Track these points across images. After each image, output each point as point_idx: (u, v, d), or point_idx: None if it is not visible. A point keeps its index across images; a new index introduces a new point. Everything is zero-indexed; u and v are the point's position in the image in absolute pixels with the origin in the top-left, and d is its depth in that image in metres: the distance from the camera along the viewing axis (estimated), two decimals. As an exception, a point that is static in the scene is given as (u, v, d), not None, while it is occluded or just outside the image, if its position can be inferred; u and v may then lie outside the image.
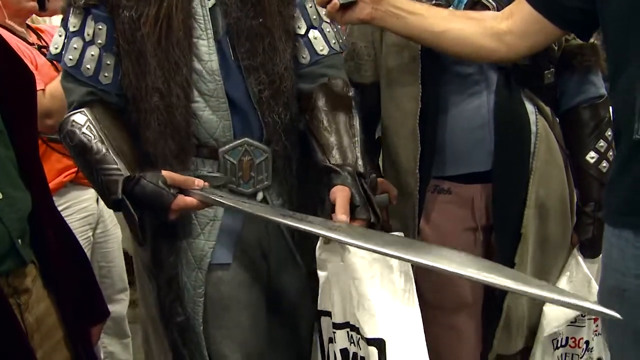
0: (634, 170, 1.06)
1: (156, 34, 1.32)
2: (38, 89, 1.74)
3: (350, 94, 1.44)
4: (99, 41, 1.37)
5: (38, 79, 1.76)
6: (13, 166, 1.14)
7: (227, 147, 1.36)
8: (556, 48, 1.54)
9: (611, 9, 1.10)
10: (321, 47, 1.44)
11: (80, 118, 1.35)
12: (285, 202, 1.42)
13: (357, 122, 1.41)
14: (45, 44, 2.15)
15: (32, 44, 2.12)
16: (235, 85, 1.37)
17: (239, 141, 1.37)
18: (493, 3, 1.45)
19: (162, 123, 1.34)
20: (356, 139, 1.38)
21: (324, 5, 1.38)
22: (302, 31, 1.45)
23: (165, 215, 1.27)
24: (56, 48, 1.41)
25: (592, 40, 1.52)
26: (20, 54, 1.92)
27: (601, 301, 1.15)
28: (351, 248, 1.09)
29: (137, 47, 1.34)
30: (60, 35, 1.42)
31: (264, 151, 1.38)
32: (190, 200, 1.26)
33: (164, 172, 1.27)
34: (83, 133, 1.33)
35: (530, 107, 1.54)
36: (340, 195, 1.22)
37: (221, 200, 1.26)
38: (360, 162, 1.33)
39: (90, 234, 2.22)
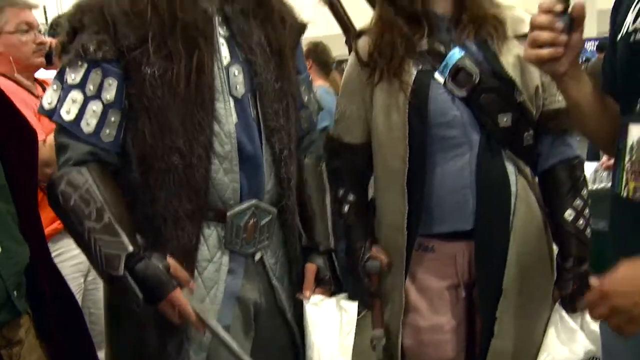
0: None
1: (182, 93, 1.30)
2: (39, 139, 1.80)
3: (324, 172, 1.57)
4: (107, 97, 1.32)
5: (40, 129, 1.81)
6: (13, 220, 1.18)
7: (236, 210, 1.35)
8: (534, 111, 1.61)
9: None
10: (315, 120, 1.54)
11: (78, 178, 1.29)
12: (277, 260, 1.46)
13: (327, 198, 1.54)
14: None
15: (37, 97, 2.18)
16: (251, 145, 1.37)
17: (248, 204, 1.36)
18: (475, 69, 1.53)
19: (178, 183, 1.31)
20: (327, 215, 1.54)
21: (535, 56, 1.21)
22: (305, 99, 1.54)
23: (156, 303, 1.25)
24: (49, 103, 1.35)
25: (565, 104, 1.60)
26: (25, 106, 2.02)
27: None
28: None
29: (157, 105, 1.31)
30: (55, 89, 1.36)
31: (269, 212, 1.40)
32: (185, 303, 1.25)
33: (169, 260, 1.26)
34: (81, 196, 1.27)
35: (510, 168, 1.59)
36: (308, 271, 1.47)
37: (211, 326, 1.28)
38: (331, 237, 1.52)
39: (82, 280, 2.25)
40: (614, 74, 1.25)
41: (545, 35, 1.15)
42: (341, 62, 5.94)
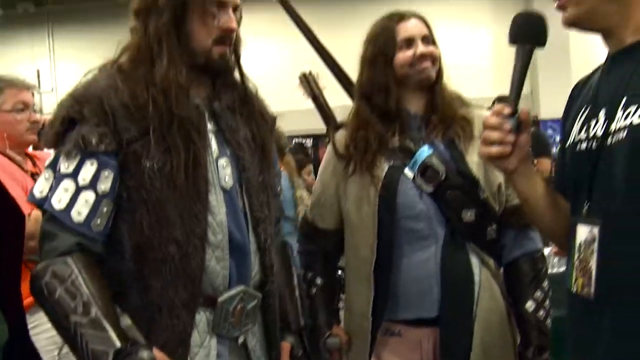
0: None
1: (180, 186, 1.34)
2: (25, 214, 1.86)
3: (291, 255, 1.67)
4: (103, 187, 1.33)
5: (26, 204, 1.89)
6: None
7: (226, 296, 1.39)
8: (498, 207, 1.72)
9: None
10: (286, 210, 1.63)
11: (64, 270, 1.27)
12: (257, 341, 1.50)
13: (296, 280, 1.64)
14: (39, 172, 2.29)
15: (26, 171, 2.27)
16: (240, 234, 1.43)
17: (238, 290, 1.41)
18: (442, 167, 1.65)
19: (174, 273, 1.33)
20: (296, 296, 1.63)
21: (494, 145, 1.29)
22: (277, 190, 1.62)
23: None
24: (40, 192, 1.35)
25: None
26: (15, 181, 2.10)
27: None
28: None
29: (155, 197, 1.33)
30: (46, 178, 1.36)
31: (255, 297, 1.45)
32: None
33: (156, 353, 1.25)
34: (66, 289, 1.26)
35: (474, 260, 1.68)
36: (283, 350, 1.56)
37: None
38: (300, 318, 1.61)
39: (56, 353, 2.26)
40: (564, 176, 1.36)
41: (494, 134, 1.25)
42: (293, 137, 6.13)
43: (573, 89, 1.41)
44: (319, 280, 1.79)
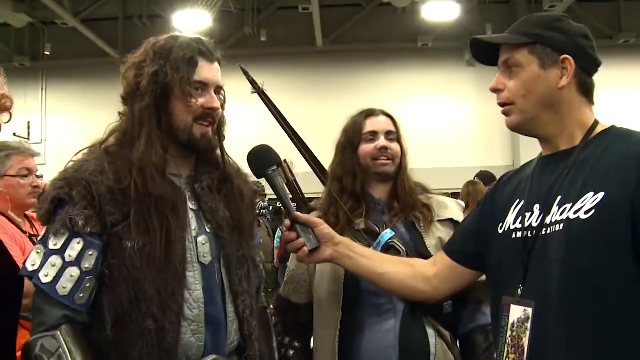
0: None
1: (157, 265, 1.43)
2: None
3: (270, 319, 1.81)
4: (86, 265, 1.42)
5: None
6: None
7: None
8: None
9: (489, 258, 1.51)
10: (263, 275, 1.80)
11: (52, 344, 1.36)
12: None
13: (275, 343, 1.78)
14: (36, 233, 2.47)
15: (25, 232, 2.45)
16: (215, 307, 1.52)
17: (210, 358, 1.49)
18: (403, 248, 1.85)
19: (151, 345, 1.40)
20: (274, 356, 1.75)
21: (295, 251, 1.66)
22: (257, 260, 1.74)
23: None
24: (33, 265, 1.43)
25: (483, 278, 1.92)
26: (14, 241, 2.27)
27: None
28: None
29: (135, 275, 1.42)
30: (38, 253, 1.44)
31: None
32: None
33: None
34: None
35: (430, 332, 1.85)
36: None
37: None
38: None
39: None
40: (479, 255, 1.56)
41: (290, 246, 1.66)
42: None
43: (500, 178, 1.63)
44: (296, 343, 1.95)
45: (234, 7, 9.83)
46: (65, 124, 10.16)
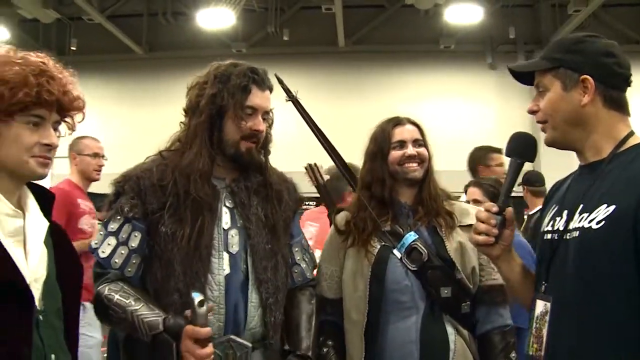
0: None
1: (184, 249, 1.70)
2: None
3: (312, 306, 1.94)
4: (132, 245, 1.74)
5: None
6: (62, 335, 1.48)
7: (216, 342, 1.66)
8: (472, 287, 2.00)
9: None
10: (309, 274, 1.97)
11: (116, 286, 1.71)
12: None
13: (313, 322, 1.93)
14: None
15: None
16: (236, 292, 1.75)
17: (225, 338, 1.70)
18: (425, 250, 1.94)
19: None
20: (311, 332, 1.91)
21: (485, 236, 1.54)
22: (297, 258, 1.94)
23: (177, 338, 1.57)
24: (96, 243, 1.78)
25: (499, 282, 2.00)
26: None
27: None
28: None
29: (167, 256, 1.72)
30: (101, 234, 1.79)
31: (245, 346, 1.71)
32: (200, 331, 1.55)
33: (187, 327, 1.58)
34: (120, 295, 1.69)
35: (450, 329, 1.95)
36: None
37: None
38: (309, 346, 1.86)
39: None
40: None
41: (481, 226, 1.55)
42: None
43: (550, 190, 1.72)
44: (330, 342, 2.04)
45: (257, 6, 9.94)
46: (89, 117, 10.26)
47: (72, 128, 1.51)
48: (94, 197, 3.69)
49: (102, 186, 3.22)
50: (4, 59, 1.38)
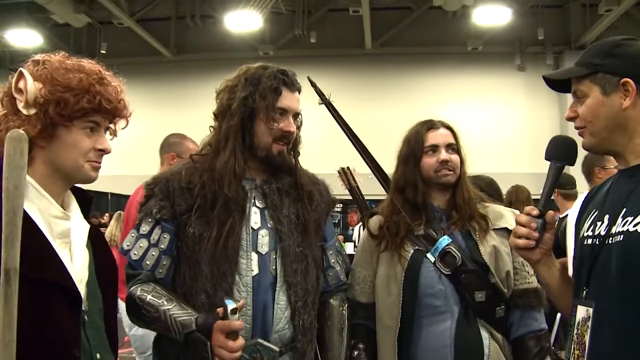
0: None
1: (211, 250, 1.71)
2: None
3: (345, 312, 1.93)
4: (162, 246, 1.76)
5: None
6: (105, 334, 1.52)
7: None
8: (506, 291, 1.98)
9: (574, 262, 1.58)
10: (343, 277, 1.96)
11: (148, 287, 1.73)
12: None
13: (345, 334, 1.91)
14: None
15: None
16: (264, 294, 1.74)
17: (252, 341, 1.70)
18: (459, 254, 1.93)
19: None
20: (343, 347, 1.90)
21: (526, 240, 1.52)
22: (332, 261, 1.94)
23: (209, 336, 1.58)
24: (128, 245, 1.80)
25: (534, 285, 1.98)
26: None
27: None
28: None
29: (195, 257, 1.73)
30: (133, 236, 1.81)
31: (272, 351, 1.72)
32: (232, 324, 1.56)
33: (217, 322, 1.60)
34: (153, 295, 1.71)
35: (484, 334, 1.93)
36: None
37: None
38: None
39: None
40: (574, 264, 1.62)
41: (522, 230, 1.54)
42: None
43: (585, 198, 1.69)
44: (361, 345, 2.02)
45: (284, 9, 9.99)
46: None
47: (114, 133, 1.53)
48: (118, 197, 3.66)
49: (132, 188, 3.26)
50: (66, 66, 1.41)
